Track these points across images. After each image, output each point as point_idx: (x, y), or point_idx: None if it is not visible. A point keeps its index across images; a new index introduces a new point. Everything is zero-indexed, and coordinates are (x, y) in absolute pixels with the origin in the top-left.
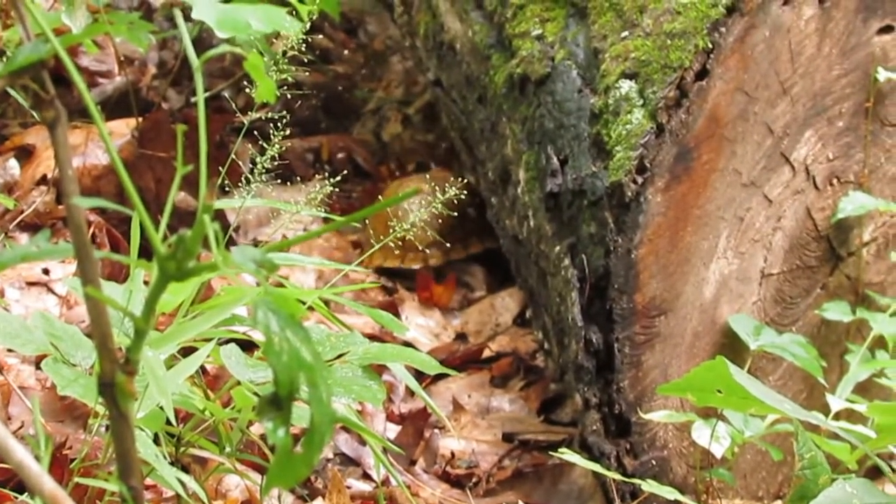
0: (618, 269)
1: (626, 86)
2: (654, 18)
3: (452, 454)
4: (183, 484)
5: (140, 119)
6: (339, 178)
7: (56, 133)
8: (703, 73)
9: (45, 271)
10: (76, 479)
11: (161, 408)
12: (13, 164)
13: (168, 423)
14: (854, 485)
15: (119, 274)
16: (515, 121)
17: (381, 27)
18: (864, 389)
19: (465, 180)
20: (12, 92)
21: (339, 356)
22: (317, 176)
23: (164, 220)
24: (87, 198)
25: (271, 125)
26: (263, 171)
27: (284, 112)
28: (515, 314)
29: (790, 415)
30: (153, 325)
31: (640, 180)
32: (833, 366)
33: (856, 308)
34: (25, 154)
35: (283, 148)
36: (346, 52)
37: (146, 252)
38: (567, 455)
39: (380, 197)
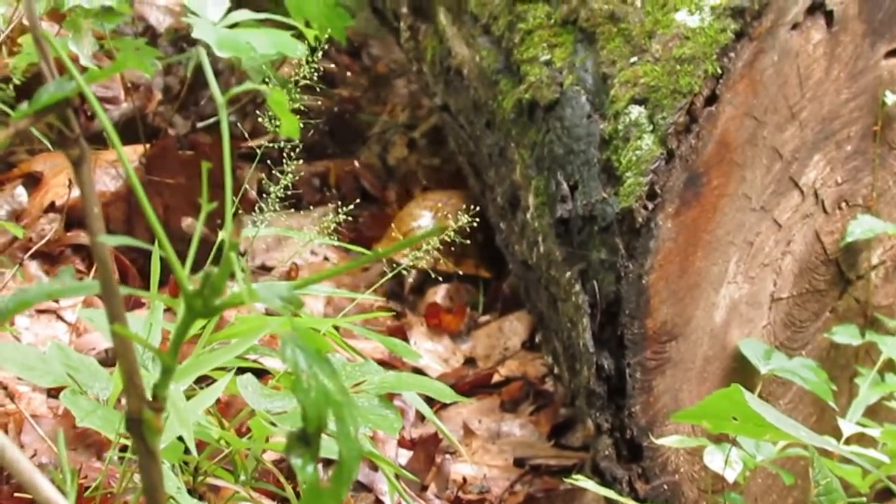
0: (629, 294)
1: (636, 111)
2: (663, 44)
3: (464, 479)
4: None
5: (147, 145)
6: (350, 206)
7: (81, 170)
8: (712, 99)
9: (55, 299)
10: None
11: (180, 438)
12: (21, 191)
13: (186, 451)
14: None
15: (128, 300)
16: (524, 146)
17: (384, 50)
18: (874, 412)
19: (477, 207)
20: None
21: (355, 385)
22: (329, 204)
23: (189, 257)
24: (113, 236)
25: (280, 151)
26: (277, 199)
27: (293, 138)
28: (524, 338)
29: (806, 441)
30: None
31: (650, 206)
32: (843, 389)
33: (865, 331)
34: (33, 181)
35: (296, 177)
36: (349, 75)
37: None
38: (579, 480)
39: (393, 230)
